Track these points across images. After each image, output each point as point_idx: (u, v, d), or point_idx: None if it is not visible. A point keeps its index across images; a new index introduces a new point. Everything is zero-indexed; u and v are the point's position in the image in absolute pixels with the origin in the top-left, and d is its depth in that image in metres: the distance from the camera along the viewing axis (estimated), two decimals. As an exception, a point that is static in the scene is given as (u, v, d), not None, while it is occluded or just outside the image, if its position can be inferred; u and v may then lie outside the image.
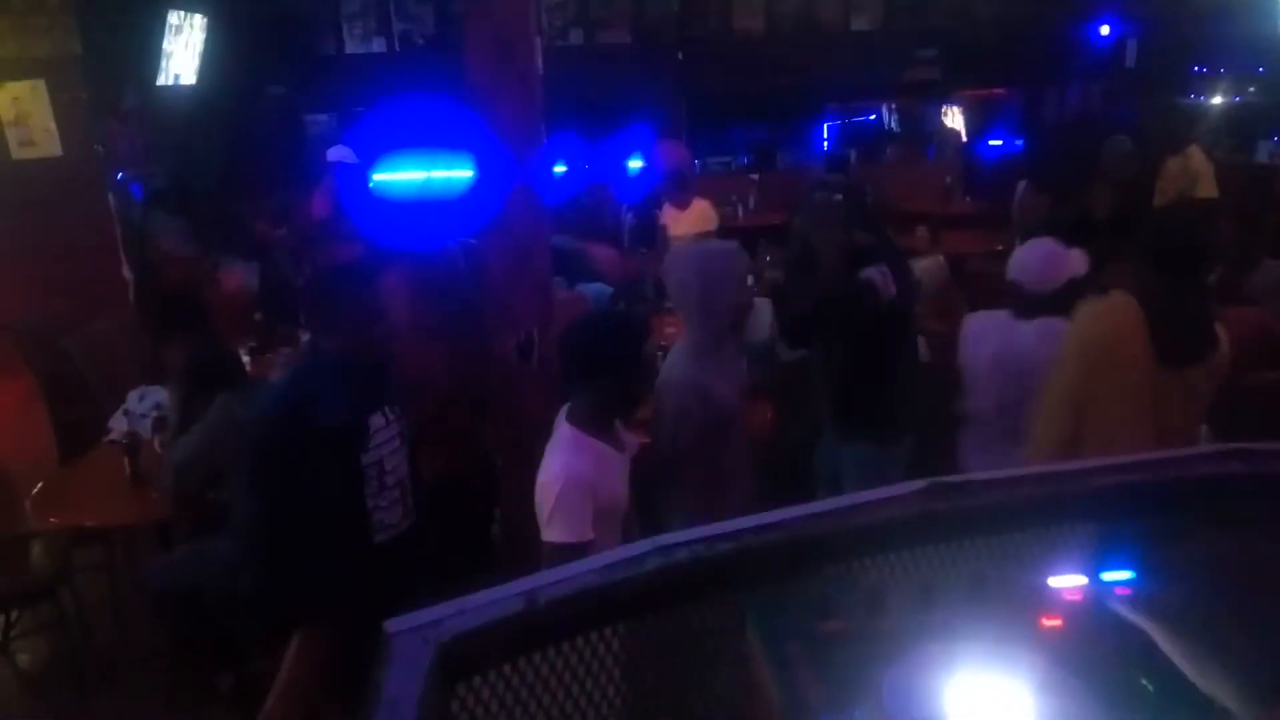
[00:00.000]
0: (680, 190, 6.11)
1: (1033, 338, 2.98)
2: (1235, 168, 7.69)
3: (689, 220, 5.99)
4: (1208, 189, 6.00)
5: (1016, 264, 3.11)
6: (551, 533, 2.15)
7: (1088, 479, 1.11)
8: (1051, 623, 0.83)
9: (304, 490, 2.12)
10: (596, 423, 2.30)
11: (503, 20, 2.99)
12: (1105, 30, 9.62)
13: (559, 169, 6.59)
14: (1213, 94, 8.51)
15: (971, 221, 7.76)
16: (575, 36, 10.33)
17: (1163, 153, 6.13)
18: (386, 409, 2.36)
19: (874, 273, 2.99)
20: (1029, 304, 3.02)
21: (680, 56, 10.29)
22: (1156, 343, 2.42)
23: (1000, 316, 3.13)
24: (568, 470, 2.19)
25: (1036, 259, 3.07)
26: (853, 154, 9.77)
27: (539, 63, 3.43)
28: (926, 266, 5.13)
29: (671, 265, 2.96)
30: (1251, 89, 8.29)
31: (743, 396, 2.90)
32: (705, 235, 5.91)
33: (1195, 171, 6.03)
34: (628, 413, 2.46)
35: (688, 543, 1.00)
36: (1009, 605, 0.87)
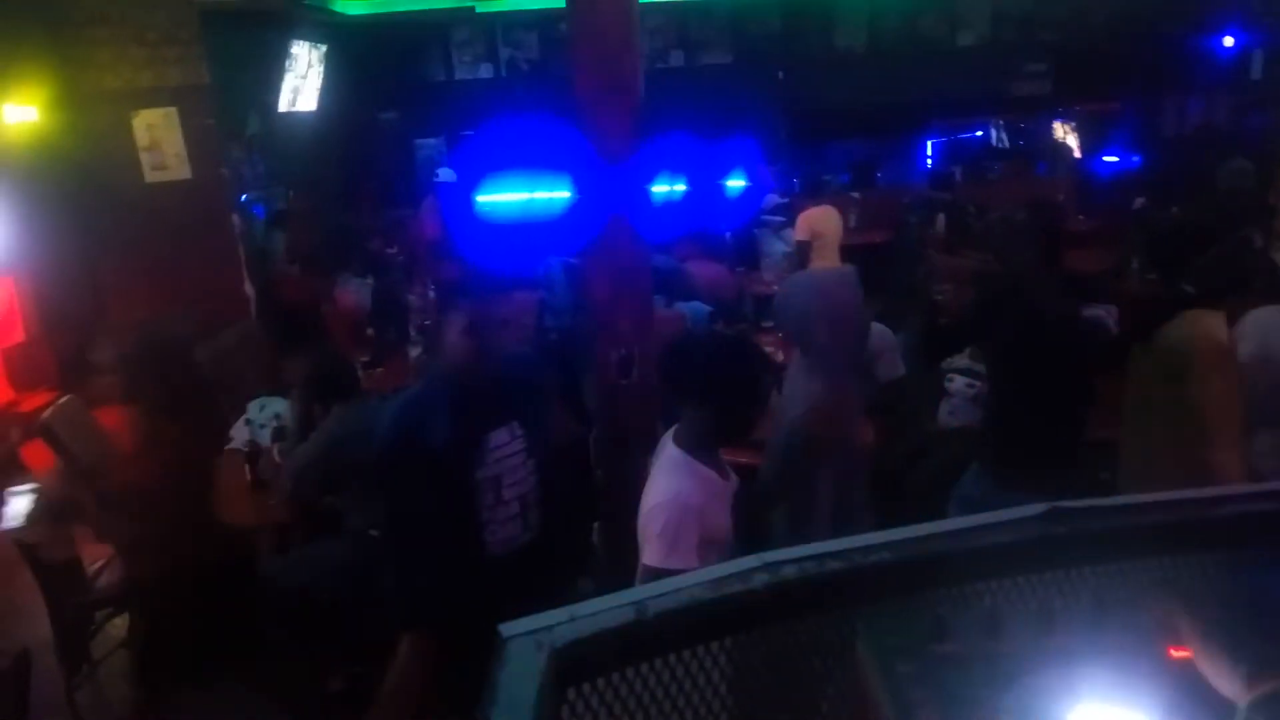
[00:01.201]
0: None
1: None
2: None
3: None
4: None
5: None
6: (654, 557, 2.12)
7: (1217, 506, 1.06)
8: (1180, 653, 0.80)
9: (416, 505, 2.19)
10: (705, 447, 2.28)
11: (607, 43, 3.05)
12: (1229, 41, 9.18)
13: (669, 191, 6.65)
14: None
15: (1089, 239, 7.47)
16: (676, 58, 10.44)
17: None
18: (515, 424, 2.37)
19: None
20: None
21: (781, 75, 10.26)
22: None
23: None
24: (679, 495, 2.16)
25: None
26: (957, 171, 9.55)
27: (641, 84, 3.48)
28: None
29: (792, 292, 2.92)
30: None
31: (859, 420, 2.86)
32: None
33: None
34: (739, 438, 2.44)
35: (796, 560, 1.00)
36: (1134, 633, 0.85)
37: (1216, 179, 6.08)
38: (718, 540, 2.25)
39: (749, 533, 2.49)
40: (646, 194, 3.41)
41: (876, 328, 3.78)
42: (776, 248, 6.68)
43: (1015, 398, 2.83)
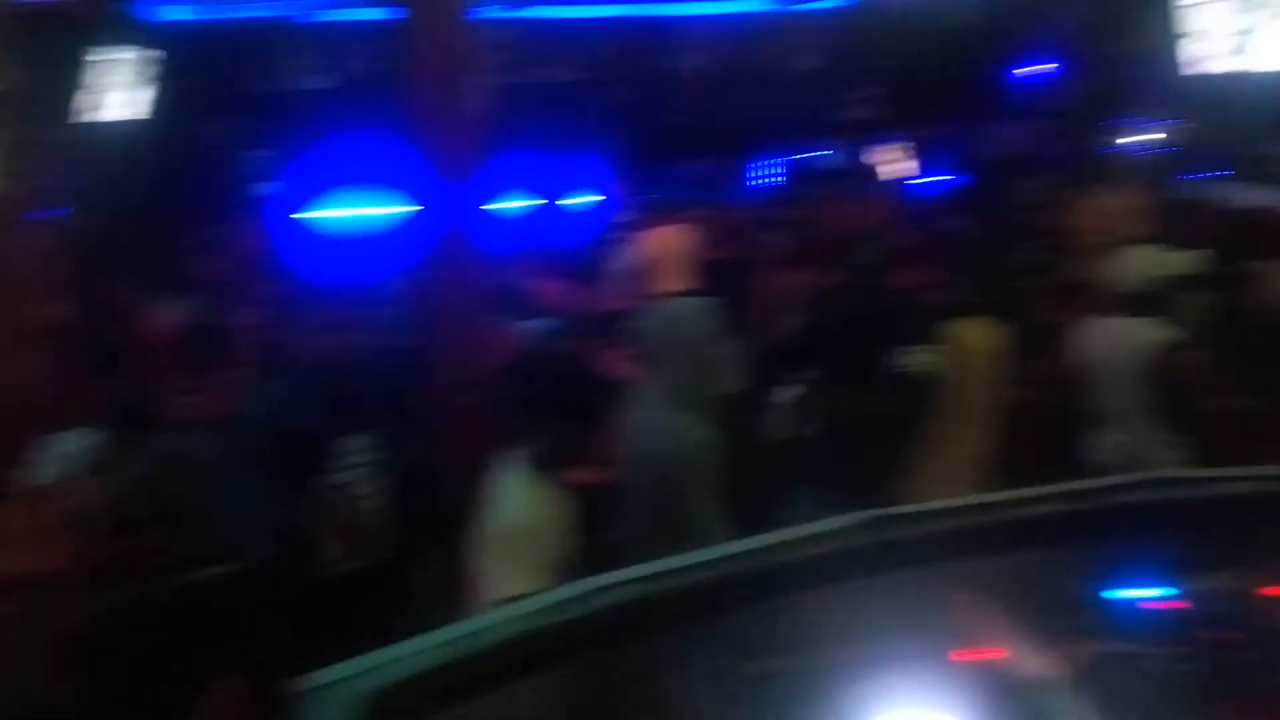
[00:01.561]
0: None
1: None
2: (1160, 204, 7.96)
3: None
4: (1138, 225, 6.26)
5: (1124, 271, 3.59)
6: (500, 583, 2.07)
7: (1018, 508, 1.11)
8: (968, 656, 0.82)
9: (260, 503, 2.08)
10: (549, 467, 2.24)
11: (445, 58, 2.99)
12: (1040, 70, 9.96)
13: (511, 207, 6.61)
14: (1138, 135, 8.84)
15: (915, 255, 7.87)
16: (525, 74, 10.38)
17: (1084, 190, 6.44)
18: (369, 435, 2.30)
19: None
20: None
21: (627, 94, 10.38)
22: None
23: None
24: (520, 518, 2.12)
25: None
26: (800, 190, 9.91)
27: (482, 100, 3.43)
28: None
29: (652, 320, 2.95)
30: (1169, 133, 8.64)
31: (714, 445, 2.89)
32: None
33: (1122, 208, 6.31)
34: (582, 457, 2.41)
35: (618, 584, 0.98)
36: (933, 638, 0.86)
37: (1014, 199, 6.64)
38: (562, 559, 2.22)
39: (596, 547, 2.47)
40: (487, 209, 3.35)
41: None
42: (621, 264, 6.72)
43: (838, 413, 3.00)
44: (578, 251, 6.88)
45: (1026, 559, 0.99)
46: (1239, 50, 7.42)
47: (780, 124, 10.41)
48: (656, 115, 10.16)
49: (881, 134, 11.06)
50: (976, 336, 2.83)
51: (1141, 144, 8.75)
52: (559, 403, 2.25)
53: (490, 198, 3.34)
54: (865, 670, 0.85)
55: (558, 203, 7.03)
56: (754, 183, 10.44)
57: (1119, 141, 8.90)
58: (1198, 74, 7.76)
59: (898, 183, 10.58)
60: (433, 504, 3.23)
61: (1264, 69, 7.25)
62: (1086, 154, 8.21)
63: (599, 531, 2.50)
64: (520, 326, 4.82)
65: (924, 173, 10.51)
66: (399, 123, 3.16)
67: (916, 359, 2.85)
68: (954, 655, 0.84)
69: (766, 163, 10.73)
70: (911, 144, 10.90)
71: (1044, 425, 4.14)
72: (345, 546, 2.34)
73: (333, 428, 2.27)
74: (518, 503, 2.18)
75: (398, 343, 3.30)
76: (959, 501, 1.11)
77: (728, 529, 2.71)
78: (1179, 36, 7.77)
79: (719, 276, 6.46)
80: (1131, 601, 0.93)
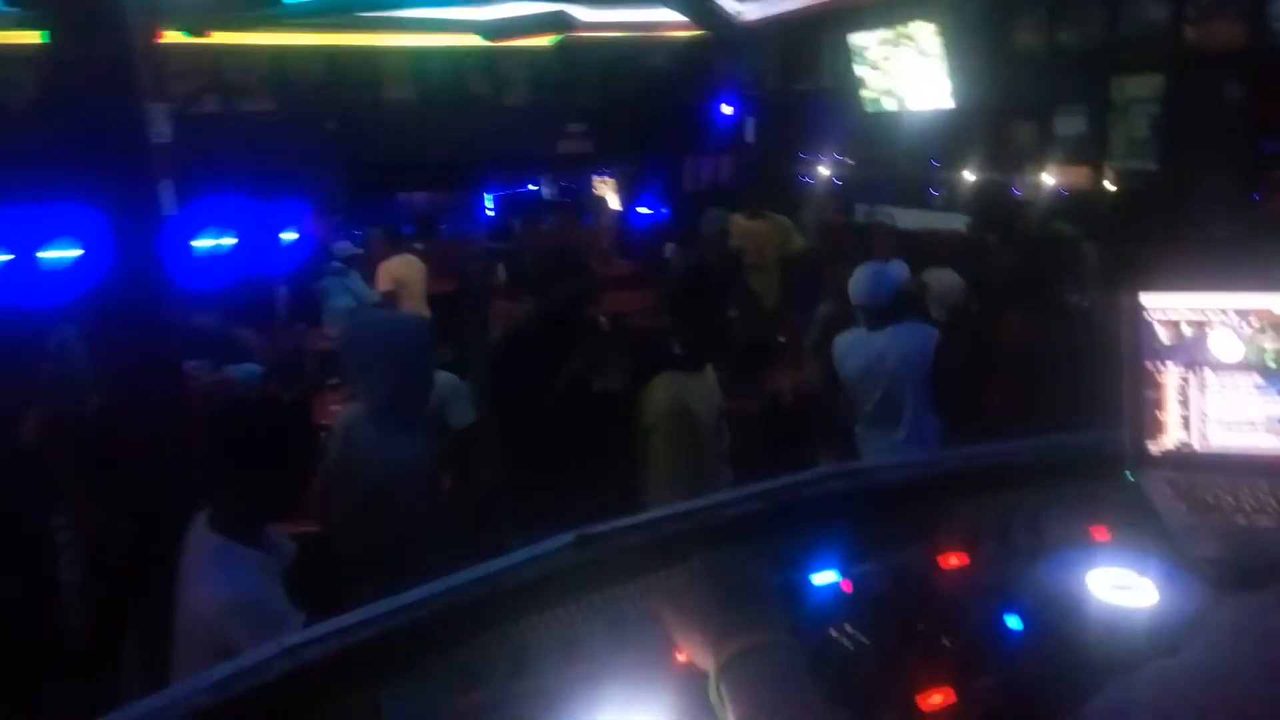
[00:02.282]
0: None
1: (884, 343, 3.84)
2: (839, 226, 8.90)
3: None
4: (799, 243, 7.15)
5: (853, 291, 3.93)
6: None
7: (719, 511, 1.17)
8: (683, 658, 0.85)
9: None
10: (248, 527, 2.07)
11: (106, 84, 2.71)
12: (728, 110, 10.78)
13: (214, 244, 6.12)
14: (817, 167, 9.81)
15: (628, 282, 8.22)
16: (210, 103, 9.69)
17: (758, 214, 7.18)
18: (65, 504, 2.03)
19: None
20: (873, 318, 3.89)
21: (330, 126, 10.00)
22: None
23: (859, 332, 3.98)
24: (232, 593, 1.92)
25: (865, 281, 3.90)
26: (516, 222, 10.01)
27: (165, 129, 3.16)
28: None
29: (354, 334, 2.83)
30: (850, 163, 9.66)
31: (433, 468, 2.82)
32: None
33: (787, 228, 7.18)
34: (287, 510, 2.24)
35: (317, 638, 0.91)
36: (648, 647, 0.89)
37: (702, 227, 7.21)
38: (278, 626, 2.06)
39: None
40: (176, 245, 3.08)
41: (445, 376, 3.80)
42: (342, 301, 6.45)
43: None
44: (291, 290, 6.51)
45: (723, 557, 1.04)
46: (898, 91, 8.47)
47: (494, 157, 10.49)
48: (367, 148, 9.87)
49: (591, 167, 11.46)
50: (657, 394, 2.91)
51: (825, 173, 9.74)
52: (264, 455, 2.08)
53: (183, 234, 3.06)
54: (586, 688, 0.86)
55: (260, 238, 6.60)
56: (470, 215, 10.43)
57: (805, 171, 9.85)
58: (875, 111, 8.77)
59: (608, 213, 11.02)
60: (131, 573, 2.89)
61: (919, 109, 8.32)
62: (772, 183, 9.00)
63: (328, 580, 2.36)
64: (228, 373, 4.47)
65: (632, 204, 11.02)
66: (71, 156, 2.82)
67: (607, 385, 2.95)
68: (673, 661, 0.87)
69: (483, 195, 10.76)
70: (619, 177, 11.40)
71: (783, 432, 4.52)
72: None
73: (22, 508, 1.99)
74: (233, 574, 1.99)
75: (83, 400, 2.94)
76: (657, 513, 1.15)
77: (451, 551, 2.67)
78: (859, 78, 8.75)
79: (445, 308, 6.39)
80: (824, 584, 1.00)
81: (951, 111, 7.97)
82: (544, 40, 10.21)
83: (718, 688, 0.76)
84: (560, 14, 8.68)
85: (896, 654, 0.83)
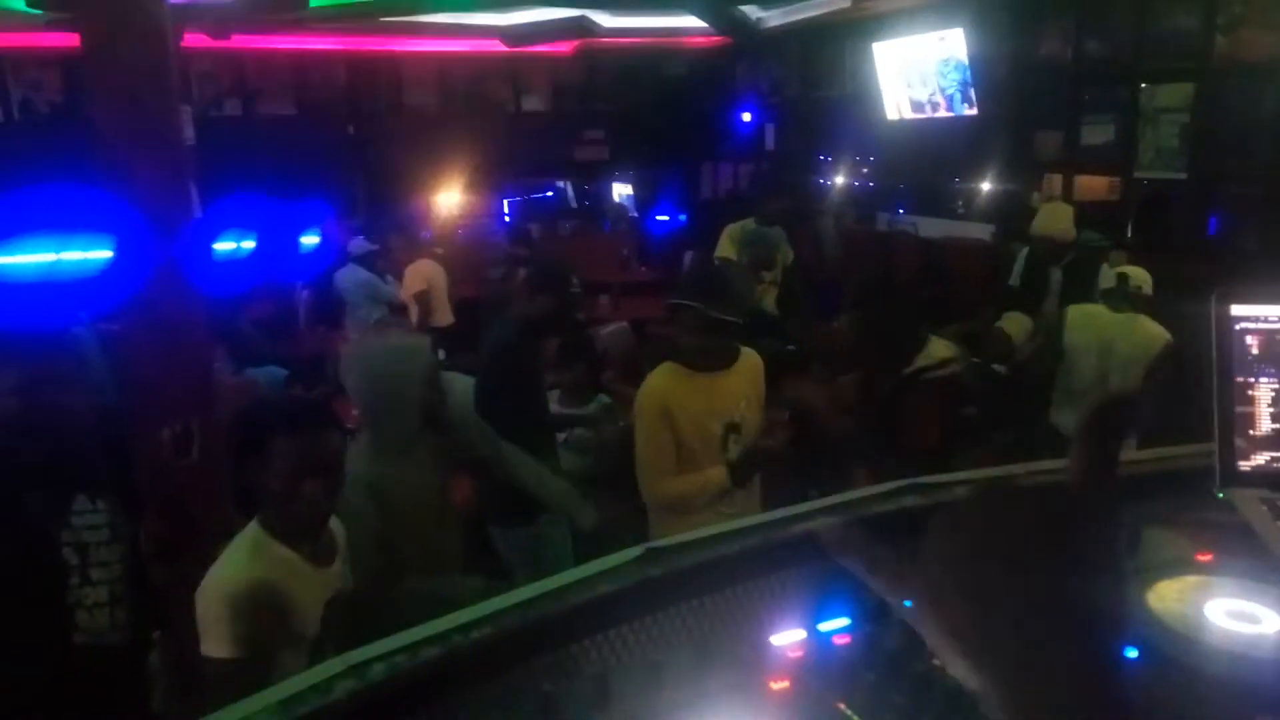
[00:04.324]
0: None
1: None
2: (860, 235, 8.84)
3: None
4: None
5: None
6: (209, 645, 1.87)
7: (792, 525, 1.12)
8: (779, 685, 0.80)
9: None
10: (288, 527, 2.03)
11: (136, 84, 2.68)
12: (747, 117, 10.73)
13: (230, 247, 6.10)
14: (837, 175, 9.74)
15: (647, 288, 8.18)
16: (232, 107, 9.72)
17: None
18: (98, 498, 2.02)
19: None
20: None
21: (351, 130, 10.03)
22: None
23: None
24: (236, 574, 1.93)
25: None
26: (534, 227, 9.99)
27: (187, 131, 3.13)
28: (613, 332, 5.29)
29: (349, 363, 2.81)
30: (870, 171, 9.59)
31: (444, 491, 2.79)
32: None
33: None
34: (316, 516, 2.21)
35: (384, 655, 0.87)
36: (735, 669, 0.84)
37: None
38: (298, 632, 2.02)
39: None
40: (199, 247, 3.05)
41: (467, 382, 3.76)
42: (364, 303, 6.41)
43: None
44: (313, 292, 6.49)
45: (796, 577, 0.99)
46: (921, 98, 8.40)
47: (514, 161, 10.47)
48: (387, 152, 9.87)
49: (609, 173, 11.43)
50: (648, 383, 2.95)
51: (846, 181, 9.68)
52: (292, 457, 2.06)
53: (206, 236, 3.05)
54: (669, 715, 0.81)
55: (281, 241, 6.58)
56: (493, 219, 10.40)
57: (826, 179, 9.79)
58: (896, 119, 8.70)
59: (626, 220, 10.99)
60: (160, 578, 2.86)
61: (943, 116, 8.24)
62: (786, 192, 8.94)
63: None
64: (251, 375, 4.45)
65: (650, 210, 10.98)
66: (95, 158, 2.80)
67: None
68: (757, 686, 0.81)
69: (508, 200, 10.74)
70: (637, 183, 11.36)
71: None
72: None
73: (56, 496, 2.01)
74: (239, 557, 1.99)
75: (108, 401, 2.92)
76: (729, 526, 1.10)
77: (456, 586, 2.64)
78: (880, 85, 8.68)
79: (467, 312, 6.36)
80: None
81: (976, 120, 7.90)
82: (565, 46, 10.21)
83: None
84: (582, 19, 8.67)
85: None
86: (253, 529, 2.03)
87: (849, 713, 0.75)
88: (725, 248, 6.12)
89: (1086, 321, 4.14)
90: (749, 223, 6.79)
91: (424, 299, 5.97)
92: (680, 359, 2.92)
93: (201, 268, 2.94)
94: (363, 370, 2.66)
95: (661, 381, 2.91)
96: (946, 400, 3.58)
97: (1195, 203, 6.43)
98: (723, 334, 2.85)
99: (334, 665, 0.86)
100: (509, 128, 10.62)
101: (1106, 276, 4.55)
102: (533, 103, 11.23)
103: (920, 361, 3.55)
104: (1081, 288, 4.86)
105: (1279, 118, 5.95)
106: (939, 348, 3.63)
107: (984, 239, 7.55)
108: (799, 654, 0.83)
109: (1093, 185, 7.25)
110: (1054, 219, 5.19)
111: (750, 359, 3.06)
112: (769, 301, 6.26)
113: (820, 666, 0.82)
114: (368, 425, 2.69)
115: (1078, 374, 4.08)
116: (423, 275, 6.08)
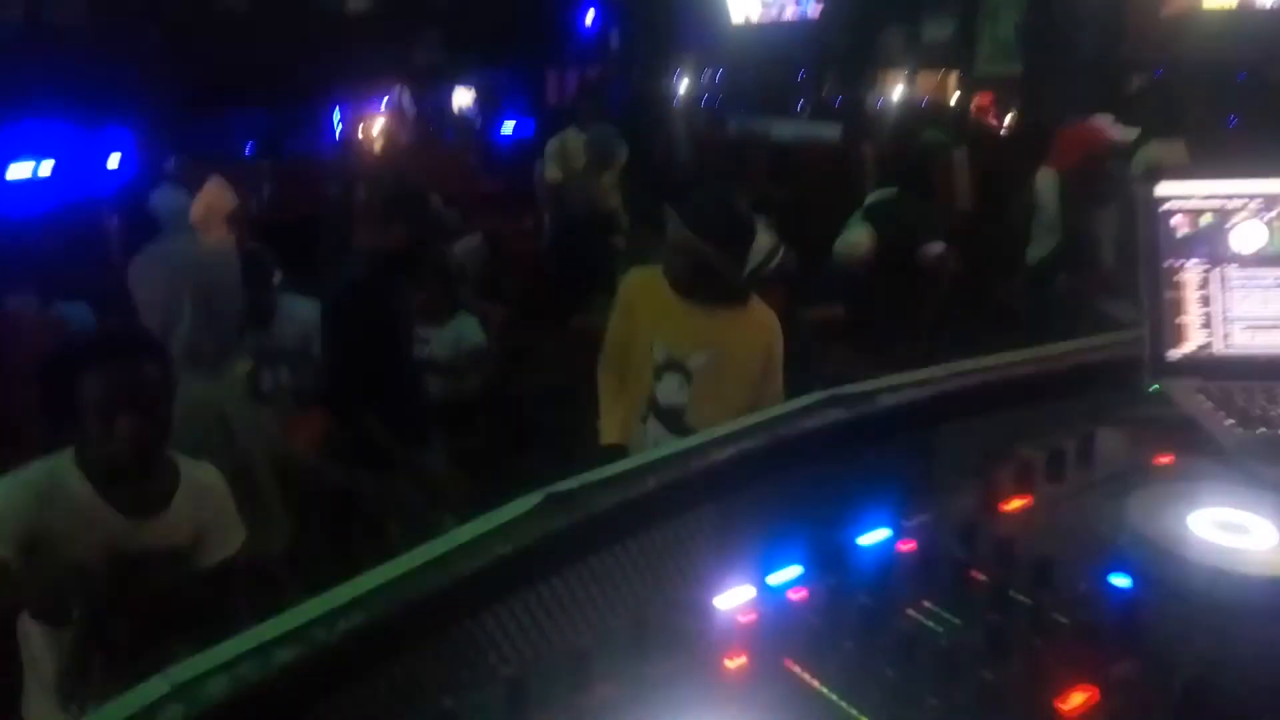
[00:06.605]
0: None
1: None
2: (712, 139, 8.73)
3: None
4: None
5: None
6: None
7: (707, 454, 0.97)
8: (734, 662, 0.65)
9: None
10: (100, 467, 1.85)
11: None
12: (590, 19, 10.31)
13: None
14: (685, 79, 9.55)
15: (498, 200, 7.83)
16: (11, 15, 8.54)
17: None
18: None
19: None
20: None
21: (154, 37, 9.03)
22: None
23: None
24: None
25: None
26: (362, 140, 9.36)
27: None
28: (466, 246, 5.02)
29: (146, 271, 2.47)
30: (718, 74, 9.45)
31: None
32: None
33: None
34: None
35: (222, 666, 0.67)
36: (677, 649, 0.68)
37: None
38: (74, 573, 1.81)
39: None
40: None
41: (309, 306, 3.45)
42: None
43: None
44: (113, 219, 5.85)
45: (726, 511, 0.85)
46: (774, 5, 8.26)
47: (338, 68, 9.71)
48: (198, 60, 8.94)
49: (446, 79, 10.80)
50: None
51: (694, 86, 9.49)
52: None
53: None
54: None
55: (82, 164, 5.90)
56: (315, 131, 9.67)
57: (675, 83, 9.57)
58: (743, 24, 8.53)
59: (467, 128, 10.45)
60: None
61: (788, 19, 8.14)
62: (640, 97, 8.69)
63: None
64: (50, 309, 4.02)
65: (497, 119, 10.48)
66: None
67: None
68: (709, 669, 0.66)
69: (327, 110, 9.99)
70: (477, 89, 10.79)
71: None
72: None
73: None
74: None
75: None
76: (633, 462, 0.94)
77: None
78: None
79: (302, 234, 5.90)
80: (874, 546, 0.80)
81: (819, 20, 7.85)
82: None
83: None
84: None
85: (1004, 637, 0.65)
86: (54, 458, 1.86)
87: (829, 693, 0.61)
88: (552, 166, 5.95)
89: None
90: (569, 133, 6.47)
91: (204, 225, 5.42)
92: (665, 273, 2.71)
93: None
94: (174, 278, 2.36)
95: (643, 277, 2.77)
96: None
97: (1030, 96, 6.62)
98: (712, 279, 2.60)
99: (157, 685, 0.66)
100: (334, 30, 9.80)
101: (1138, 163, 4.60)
102: (359, 2, 10.40)
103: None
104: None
105: (1101, 17, 6.14)
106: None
107: (834, 140, 7.58)
108: (751, 618, 0.68)
109: (934, 82, 7.36)
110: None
111: (756, 323, 2.70)
112: (615, 201, 6.10)
113: (779, 633, 0.68)
114: (179, 339, 2.38)
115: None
116: (203, 200, 5.53)
